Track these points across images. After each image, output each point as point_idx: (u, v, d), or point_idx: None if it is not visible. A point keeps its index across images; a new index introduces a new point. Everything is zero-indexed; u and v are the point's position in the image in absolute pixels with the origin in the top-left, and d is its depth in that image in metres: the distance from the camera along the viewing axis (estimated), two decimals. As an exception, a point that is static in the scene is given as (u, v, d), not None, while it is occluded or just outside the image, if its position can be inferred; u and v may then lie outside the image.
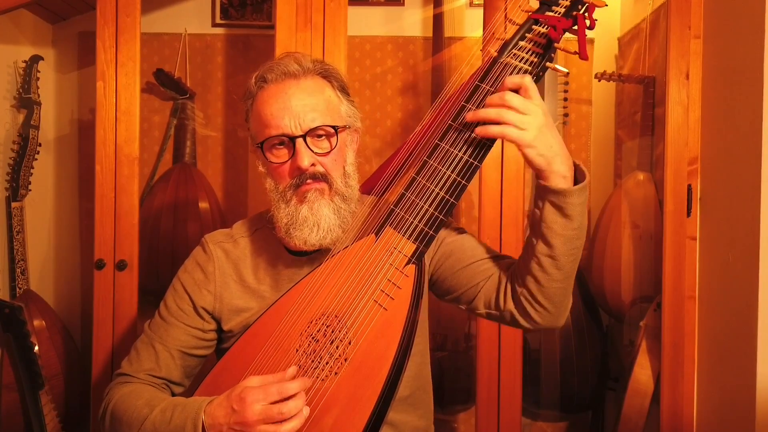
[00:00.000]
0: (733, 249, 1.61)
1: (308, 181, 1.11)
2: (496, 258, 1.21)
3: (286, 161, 1.12)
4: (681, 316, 1.79)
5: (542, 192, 1.06)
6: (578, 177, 1.06)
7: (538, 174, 1.05)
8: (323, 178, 1.12)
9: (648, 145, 2.10)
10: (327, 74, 1.17)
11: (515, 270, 1.15)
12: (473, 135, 1.05)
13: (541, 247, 1.07)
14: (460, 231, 1.26)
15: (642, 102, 2.12)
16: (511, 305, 1.15)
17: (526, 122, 1.00)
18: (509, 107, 1.01)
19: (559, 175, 1.03)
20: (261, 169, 1.19)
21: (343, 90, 1.19)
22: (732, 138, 1.64)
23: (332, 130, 1.13)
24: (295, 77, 1.13)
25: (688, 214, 1.79)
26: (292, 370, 1.04)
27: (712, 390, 1.72)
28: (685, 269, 1.79)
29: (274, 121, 1.11)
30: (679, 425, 1.79)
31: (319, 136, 1.13)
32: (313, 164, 1.11)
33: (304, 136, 1.10)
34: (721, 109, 1.71)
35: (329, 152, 1.13)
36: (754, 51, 1.51)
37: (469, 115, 1.05)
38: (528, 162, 1.04)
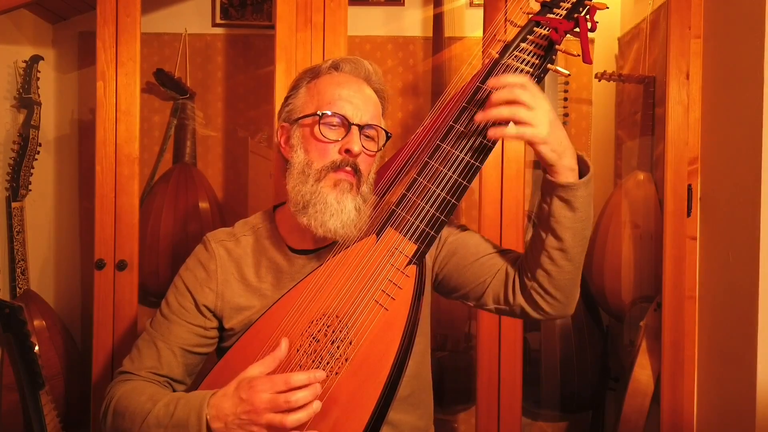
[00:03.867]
0: (733, 249, 1.61)
1: (347, 168, 1.12)
2: (502, 253, 1.22)
3: (336, 141, 1.13)
4: (681, 316, 1.79)
5: (549, 187, 1.07)
6: (582, 169, 1.08)
7: (548, 169, 1.06)
8: (358, 172, 1.13)
9: (648, 145, 2.10)
10: (382, 94, 1.22)
11: (524, 264, 1.17)
12: (477, 137, 1.06)
13: (551, 241, 1.09)
14: (463, 228, 1.27)
15: (642, 102, 2.12)
16: (521, 299, 1.17)
17: (538, 118, 1.00)
18: (519, 103, 1.01)
19: (568, 169, 1.05)
20: (291, 141, 1.17)
21: (384, 113, 1.23)
22: (732, 138, 1.64)
23: (384, 135, 1.19)
24: (367, 81, 1.20)
25: (688, 214, 1.79)
26: (284, 343, 1.05)
27: (712, 390, 1.73)
28: (685, 269, 1.79)
29: (340, 102, 1.13)
30: (679, 425, 1.79)
31: (369, 136, 1.16)
32: (359, 153, 1.13)
33: (361, 127, 1.14)
34: (721, 109, 1.71)
35: (374, 153, 1.16)
36: (754, 51, 1.51)
37: (479, 116, 1.04)
38: (540, 157, 1.05)
